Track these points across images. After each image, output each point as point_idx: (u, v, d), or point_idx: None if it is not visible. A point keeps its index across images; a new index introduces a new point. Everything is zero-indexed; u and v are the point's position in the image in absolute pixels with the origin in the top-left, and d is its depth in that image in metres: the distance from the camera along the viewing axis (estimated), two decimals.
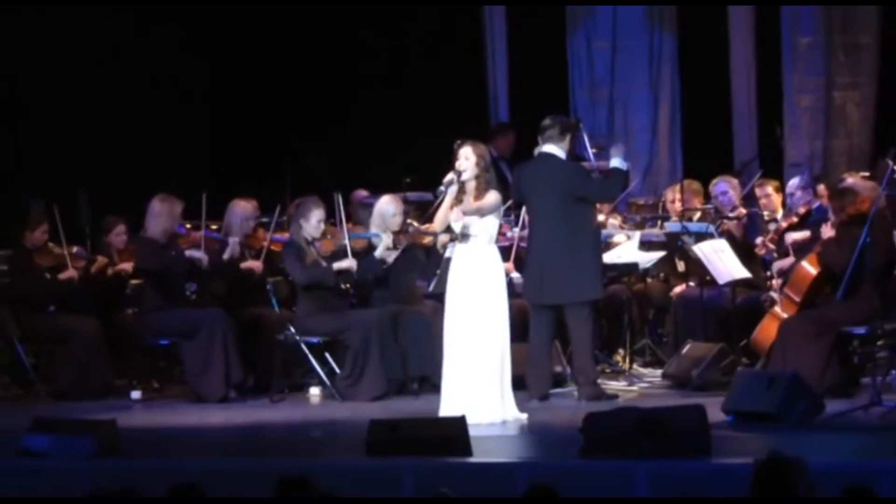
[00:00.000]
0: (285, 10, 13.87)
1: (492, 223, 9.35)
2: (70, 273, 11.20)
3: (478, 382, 9.18)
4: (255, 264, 11.18)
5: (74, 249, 11.29)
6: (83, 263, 11.38)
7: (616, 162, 10.17)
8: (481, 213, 9.25)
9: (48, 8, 12.74)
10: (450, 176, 9.28)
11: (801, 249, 10.50)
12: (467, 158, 9.29)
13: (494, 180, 9.44)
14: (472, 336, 9.22)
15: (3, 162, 11.81)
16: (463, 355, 9.21)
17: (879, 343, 10.06)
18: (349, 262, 10.77)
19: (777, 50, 13.90)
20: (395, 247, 10.98)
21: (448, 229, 9.69)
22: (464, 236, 9.36)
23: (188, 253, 10.98)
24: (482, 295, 9.27)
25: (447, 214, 9.36)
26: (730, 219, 11.35)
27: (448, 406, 9.19)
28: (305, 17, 13.94)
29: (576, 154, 10.39)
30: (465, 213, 9.25)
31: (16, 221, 11.32)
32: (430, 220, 10.90)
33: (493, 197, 9.30)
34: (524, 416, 9.32)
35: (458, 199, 9.31)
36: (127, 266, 11.33)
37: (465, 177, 9.28)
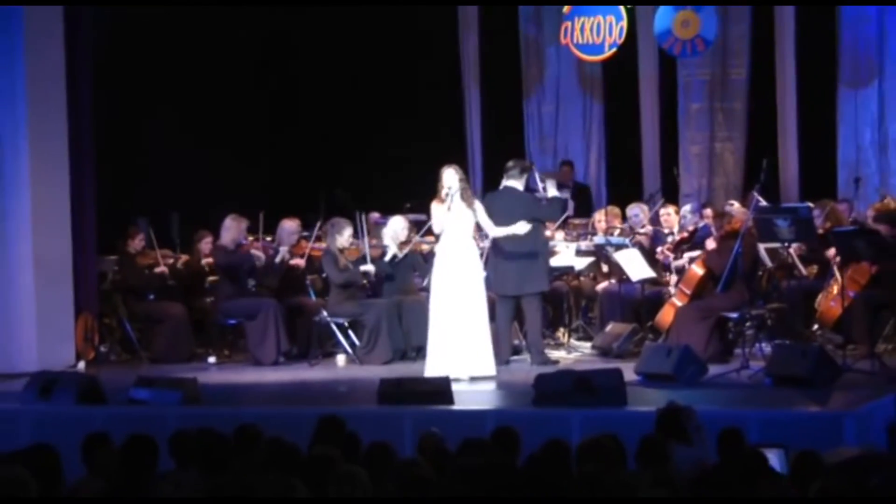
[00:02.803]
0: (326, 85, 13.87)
1: (471, 221, 9.44)
2: (162, 269, 11.22)
3: (474, 340, 9.21)
4: (299, 262, 11.14)
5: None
6: (172, 260, 11.40)
7: (553, 192, 10.31)
8: (481, 215, 9.46)
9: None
10: (447, 188, 9.33)
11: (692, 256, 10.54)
12: (454, 176, 9.36)
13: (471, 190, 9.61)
14: (459, 308, 9.24)
15: (117, 189, 11.75)
16: (453, 322, 9.21)
17: (748, 324, 10.04)
18: (369, 266, 10.78)
19: (675, 112, 13.89)
20: (399, 253, 10.99)
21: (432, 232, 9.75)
22: (450, 231, 9.40)
23: (251, 251, 10.91)
24: (465, 276, 9.31)
25: (443, 215, 9.38)
26: (640, 234, 11.36)
27: (434, 366, 9.19)
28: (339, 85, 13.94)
29: (530, 188, 10.38)
30: (480, 219, 9.43)
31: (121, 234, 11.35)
32: (429, 232, 10.88)
33: (480, 203, 9.55)
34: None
35: (442, 201, 9.37)
36: (209, 261, 11.33)
37: (455, 189, 9.34)
